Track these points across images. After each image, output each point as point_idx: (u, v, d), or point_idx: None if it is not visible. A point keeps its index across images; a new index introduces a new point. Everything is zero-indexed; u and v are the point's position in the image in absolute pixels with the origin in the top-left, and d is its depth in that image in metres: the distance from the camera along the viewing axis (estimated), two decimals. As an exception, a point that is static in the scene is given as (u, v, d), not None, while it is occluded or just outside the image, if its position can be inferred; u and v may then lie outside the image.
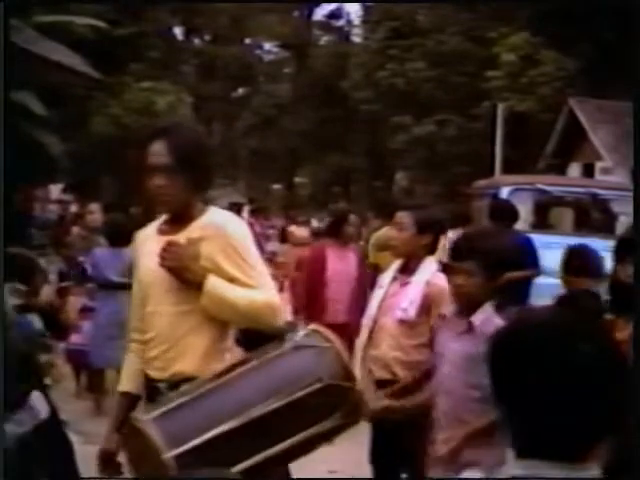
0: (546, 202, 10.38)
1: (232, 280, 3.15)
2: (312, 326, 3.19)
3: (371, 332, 4.50)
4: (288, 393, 2.86)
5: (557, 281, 8.14)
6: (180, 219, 3.25)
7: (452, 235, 10.51)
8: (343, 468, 5.91)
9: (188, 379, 3.10)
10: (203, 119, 30.51)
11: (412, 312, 4.30)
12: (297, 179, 44.19)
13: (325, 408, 2.92)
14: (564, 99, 20.35)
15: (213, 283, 3.12)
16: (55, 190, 22.25)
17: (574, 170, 20.44)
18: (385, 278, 4.57)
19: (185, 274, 3.13)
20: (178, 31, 34.56)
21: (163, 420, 2.77)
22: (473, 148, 24.41)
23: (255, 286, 3.16)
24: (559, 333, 1.59)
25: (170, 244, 3.15)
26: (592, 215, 10.47)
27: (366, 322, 4.53)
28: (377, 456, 4.52)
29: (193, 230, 3.21)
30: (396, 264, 4.59)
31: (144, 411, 2.97)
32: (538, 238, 8.15)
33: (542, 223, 10.19)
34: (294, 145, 39.22)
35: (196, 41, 40.04)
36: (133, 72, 22.32)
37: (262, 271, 3.26)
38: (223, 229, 3.19)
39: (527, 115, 21.50)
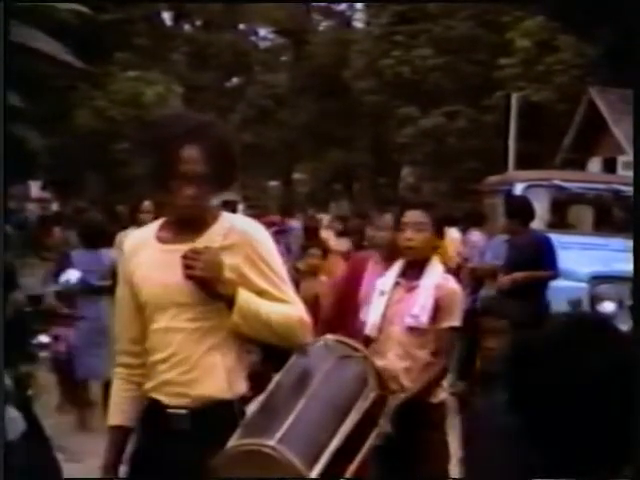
0: (564, 200, 10.37)
1: (261, 293, 3.04)
2: (330, 336, 3.20)
3: (373, 342, 4.47)
4: (358, 407, 3.01)
5: (575, 284, 8.19)
6: (190, 225, 3.08)
7: (471, 235, 10.57)
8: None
9: (214, 403, 3.01)
10: (195, 111, 30.48)
11: (424, 318, 4.29)
12: (295, 175, 44.23)
13: (373, 420, 3.08)
14: (584, 88, 20.33)
15: (246, 297, 3.00)
16: (35, 187, 22.29)
17: (594, 165, 20.43)
18: (386, 284, 4.53)
19: (217, 286, 2.98)
20: (167, 16, 34.64)
21: (288, 441, 2.79)
22: (485, 142, 24.41)
23: (286, 300, 3.08)
24: (576, 347, 1.62)
25: (195, 252, 2.97)
26: (614, 214, 10.46)
27: (369, 332, 4.50)
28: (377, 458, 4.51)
29: (211, 238, 3.06)
30: (396, 268, 4.56)
31: (246, 437, 2.90)
32: (556, 238, 8.14)
33: (560, 222, 10.18)
34: (292, 139, 39.23)
35: (186, 27, 40.12)
36: (119, 61, 22.36)
37: (288, 282, 3.16)
38: (248, 236, 3.07)
39: (543, 106, 21.49)
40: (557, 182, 10.20)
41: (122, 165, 19.61)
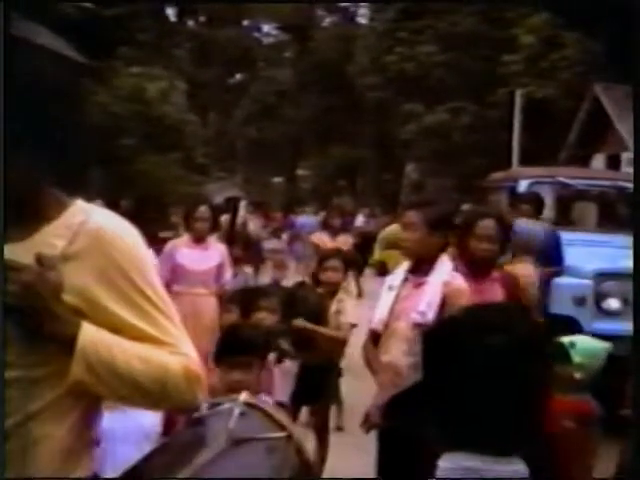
0: (568, 196, 10.35)
1: (125, 330, 1.97)
2: (244, 397, 2.09)
3: (379, 337, 4.49)
4: None
5: (580, 281, 8.18)
6: (22, 219, 1.96)
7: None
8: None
9: None
10: (198, 107, 30.52)
11: (431, 315, 4.30)
12: (299, 172, 44.24)
13: None
14: (588, 85, 20.32)
15: (92, 338, 1.92)
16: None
17: (598, 162, 20.43)
18: (395, 279, 4.57)
19: (44, 319, 1.89)
20: (171, 12, 34.59)
21: None
22: (489, 138, 24.38)
23: (164, 341, 2.01)
24: (469, 328, 1.77)
25: (10, 267, 1.87)
26: (618, 210, 10.44)
27: (376, 326, 4.52)
28: (384, 470, 4.52)
29: (47, 240, 1.95)
30: (406, 264, 4.59)
31: None
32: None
33: (564, 219, 10.16)
34: (296, 135, 39.26)
35: (190, 23, 40.08)
36: (122, 56, 22.33)
37: (170, 312, 2.06)
38: (105, 239, 1.97)
39: (548, 102, 21.46)
40: (561, 179, 10.18)
41: (125, 160, 19.61)
